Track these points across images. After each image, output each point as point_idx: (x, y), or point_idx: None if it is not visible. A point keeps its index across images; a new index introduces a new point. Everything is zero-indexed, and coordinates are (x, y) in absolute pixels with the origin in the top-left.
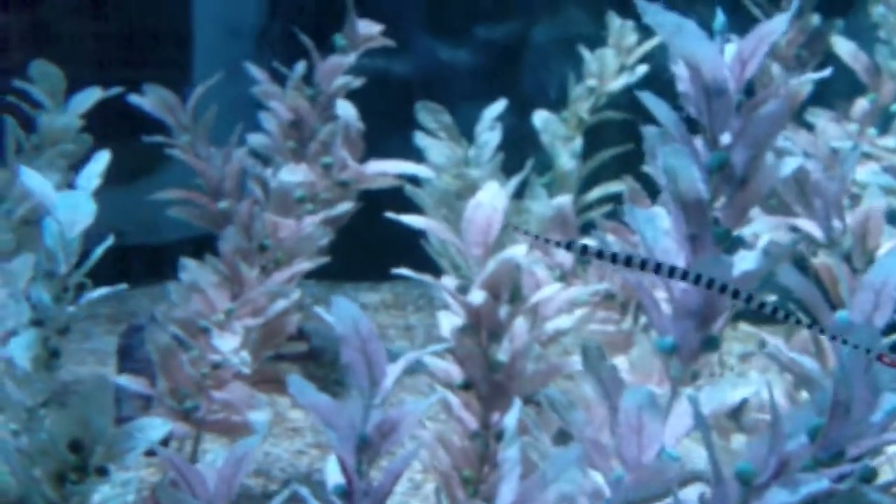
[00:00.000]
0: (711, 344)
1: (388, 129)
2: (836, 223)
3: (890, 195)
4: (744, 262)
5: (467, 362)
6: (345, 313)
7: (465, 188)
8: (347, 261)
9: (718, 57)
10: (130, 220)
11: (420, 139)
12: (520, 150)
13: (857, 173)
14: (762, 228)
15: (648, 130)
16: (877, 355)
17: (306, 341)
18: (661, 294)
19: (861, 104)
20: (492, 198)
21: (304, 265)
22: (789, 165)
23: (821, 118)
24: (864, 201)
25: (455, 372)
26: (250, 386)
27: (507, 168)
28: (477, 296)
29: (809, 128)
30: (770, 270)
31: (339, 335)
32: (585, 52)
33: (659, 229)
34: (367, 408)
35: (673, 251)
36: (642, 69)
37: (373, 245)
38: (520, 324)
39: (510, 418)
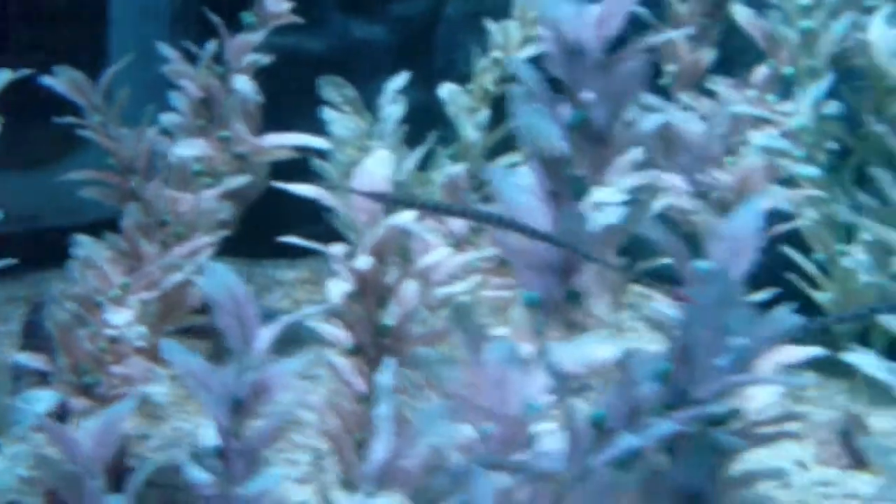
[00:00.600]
0: (574, 298)
1: (302, 106)
2: (704, 178)
3: (786, 159)
4: (606, 216)
5: (356, 327)
6: (217, 278)
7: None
8: (266, 238)
9: (578, 17)
10: (47, 203)
11: (325, 113)
12: (431, 123)
13: (756, 138)
14: (630, 184)
15: (514, 91)
16: (672, 292)
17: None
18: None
19: (761, 71)
20: (378, 165)
21: (205, 240)
22: (651, 121)
23: (721, 85)
24: (744, 160)
25: (344, 337)
26: (152, 360)
27: (421, 141)
28: (363, 261)
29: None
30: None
31: (213, 300)
32: (490, 24)
33: (519, 186)
34: (240, 370)
35: (533, 208)
36: None
37: (287, 221)
38: (409, 289)
39: (383, 377)
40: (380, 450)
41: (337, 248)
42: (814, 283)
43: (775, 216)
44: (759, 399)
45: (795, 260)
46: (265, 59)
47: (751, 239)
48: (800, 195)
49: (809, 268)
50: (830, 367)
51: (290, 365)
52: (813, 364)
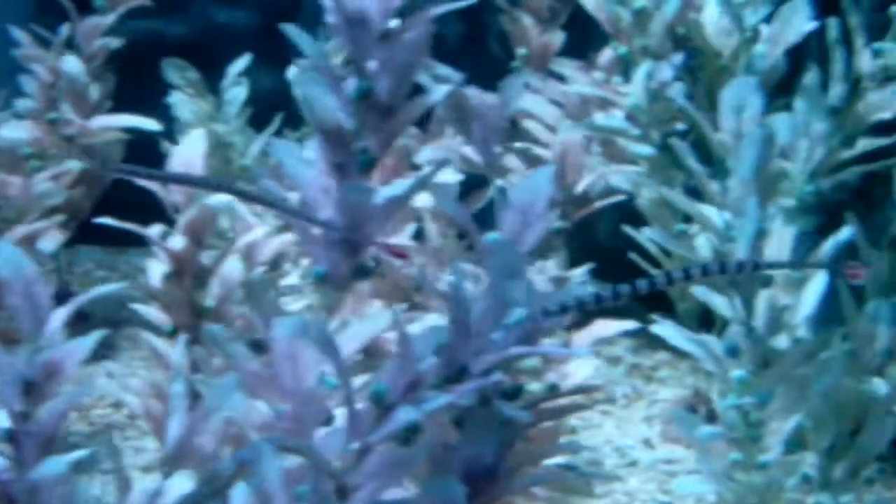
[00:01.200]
0: (362, 272)
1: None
2: (496, 149)
3: (626, 139)
4: (392, 188)
5: (173, 308)
6: (6, 257)
7: (212, 144)
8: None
9: None
10: None
11: (171, 96)
12: (292, 106)
13: (598, 118)
14: (429, 156)
15: (299, 63)
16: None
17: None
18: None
19: (607, 53)
20: (192, 145)
21: (38, 224)
22: (438, 92)
23: (567, 67)
24: (559, 135)
25: (163, 319)
26: None
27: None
28: (177, 241)
29: (561, 78)
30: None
31: (1, 279)
32: None
33: (302, 160)
34: (32, 351)
35: (318, 182)
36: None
37: (148, 206)
38: (229, 269)
39: (176, 354)
40: (174, 428)
41: (154, 230)
42: (656, 263)
43: (615, 193)
44: (579, 374)
45: (637, 238)
46: (115, 42)
47: (540, 209)
48: (633, 171)
49: (650, 247)
50: None
51: (82, 344)
52: (666, 344)
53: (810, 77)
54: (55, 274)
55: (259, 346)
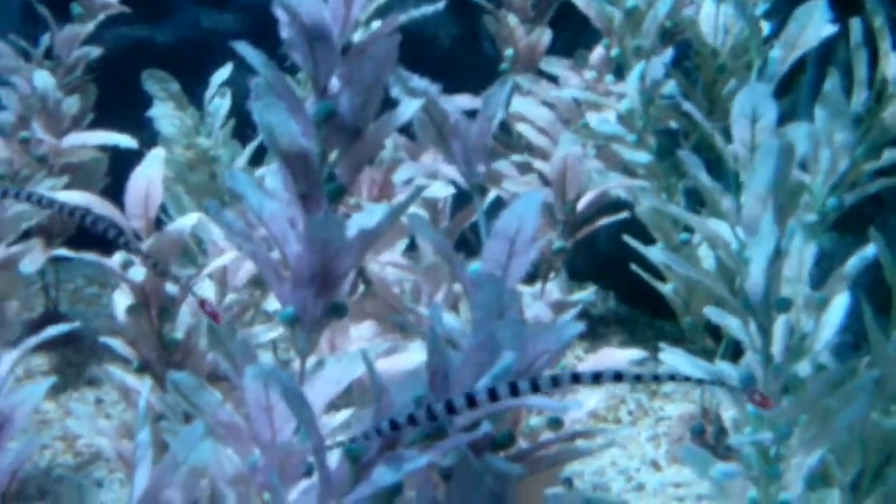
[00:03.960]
0: (337, 311)
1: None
2: (480, 168)
3: (617, 143)
4: (366, 218)
5: (140, 343)
6: None
7: (197, 158)
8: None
9: None
10: None
11: (154, 109)
12: None
13: (592, 120)
14: (408, 175)
15: (255, 82)
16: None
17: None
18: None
19: (598, 52)
20: (150, 168)
21: (15, 248)
22: (406, 111)
23: (557, 66)
24: (559, 149)
25: (130, 353)
26: None
27: None
28: (137, 272)
29: (552, 78)
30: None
31: None
32: None
33: (265, 191)
34: None
35: (282, 215)
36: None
37: None
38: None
39: (141, 400)
40: (140, 479)
41: (116, 259)
42: (658, 275)
43: (614, 205)
44: (589, 402)
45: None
46: (96, 51)
47: (528, 236)
48: (631, 183)
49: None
50: None
51: (33, 391)
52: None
53: (832, 83)
54: (42, 293)
55: None
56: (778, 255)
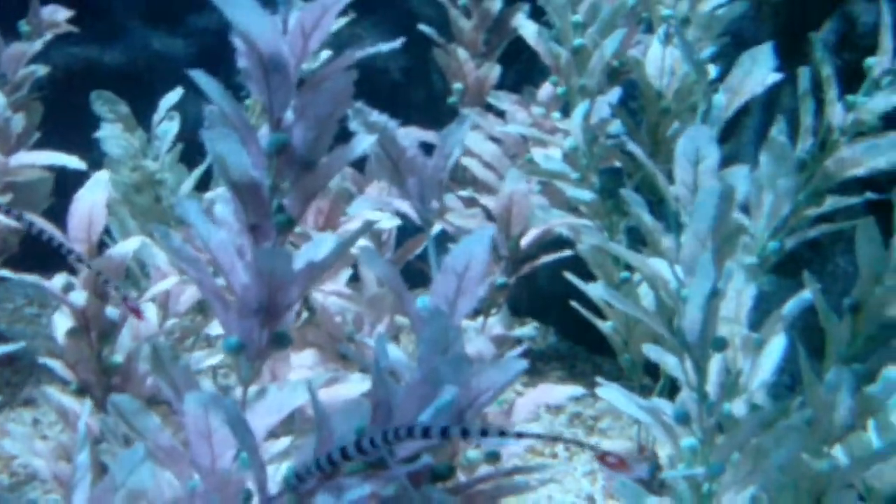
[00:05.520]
0: (281, 341)
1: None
2: (434, 204)
3: (561, 181)
4: (313, 251)
5: (79, 365)
6: None
7: (143, 181)
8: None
9: (274, 29)
10: None
11: (101, 130)
12: None
13: (538, 156)
14: (361, 209)
15: (209, 110)
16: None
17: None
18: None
19: (546, 88)
20: (94, 192)
21: None
22: (360, 145)
23: (505, 102)
24: (505, 186)
25: (70, 375)
26: None
27: None
28: (79, 296)
29: (500, 113)
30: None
31: None
32: None
33: (214, 220)
34: None
35: (230, 244)
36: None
37: None
38: (136, 324)
39: (81, 422)
40: (78, 502)
41: (57, 281)
42: (598, 312)
43: (557, 242)
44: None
45: (580, 287)
46: (42, 70)
47: (477, 274)
48: (574, 222)
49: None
50: None
51: None
52: None
53: (777, 129)
54: None
55: None
56: (715, 294)
